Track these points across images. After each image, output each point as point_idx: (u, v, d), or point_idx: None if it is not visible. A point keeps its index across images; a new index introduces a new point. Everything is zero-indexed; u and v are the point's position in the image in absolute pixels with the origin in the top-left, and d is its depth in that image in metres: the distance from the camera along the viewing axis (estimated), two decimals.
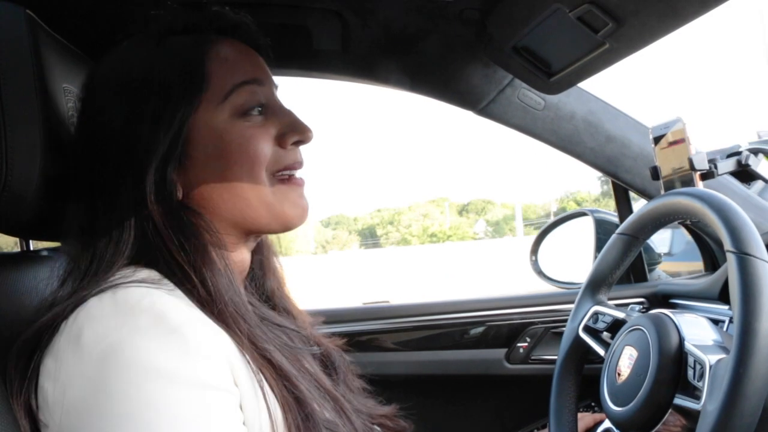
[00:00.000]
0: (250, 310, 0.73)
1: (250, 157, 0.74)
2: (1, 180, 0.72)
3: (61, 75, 0.84)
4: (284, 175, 0.78)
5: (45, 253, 0.93)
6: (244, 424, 0.63)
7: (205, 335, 0.63)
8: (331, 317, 1.58)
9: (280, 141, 0.77)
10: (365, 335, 1.57)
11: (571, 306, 1.17)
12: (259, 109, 0.76)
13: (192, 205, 0.74)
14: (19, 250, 0.93)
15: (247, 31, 0.81)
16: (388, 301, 1.66)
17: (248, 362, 0.66)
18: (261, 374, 0.67)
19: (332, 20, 1.23)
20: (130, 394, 0.56)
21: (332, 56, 1.34)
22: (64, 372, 0.59)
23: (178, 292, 0.67)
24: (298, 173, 0.80)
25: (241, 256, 0.80)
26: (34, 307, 0.75)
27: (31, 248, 0.96)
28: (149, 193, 0.70)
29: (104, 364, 0.57)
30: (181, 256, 0.69)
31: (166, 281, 0.68)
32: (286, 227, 0.79)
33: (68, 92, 0.85)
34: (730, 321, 1.08)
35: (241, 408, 0.63)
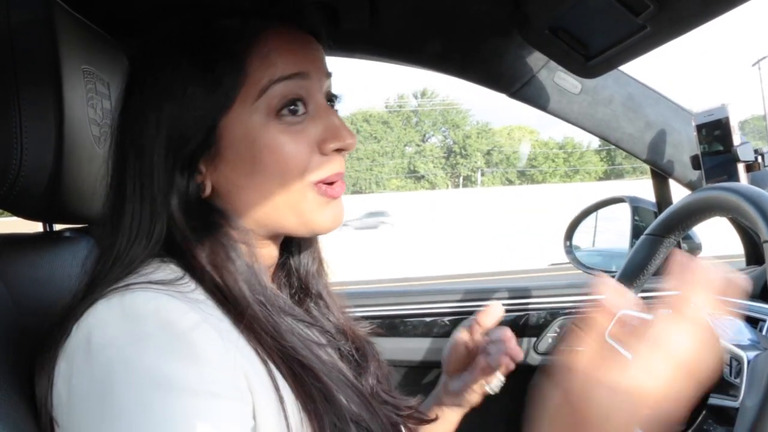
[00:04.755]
0: (274, 307, 0.70)
1: (280, 163, 0.69)
2: (16, 164, 0.71)
3: (81, 56, 0.83)
4: (321, 186, 0.73)
5: (68, 234, 0.93)
6: (254, 430, 0.61)
7: (215, 340, 0.60)
8: (360, 300, 1.58)
9: (321, 146, 0.72)
10: (390, 319, 1.55)
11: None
12: (296, 108, 0.71)
13: (218, 203, 0.71)
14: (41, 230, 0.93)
15: (307, 17, 0.75)
16: None
17: (267, 362, 0.64)
18: (282, 371, 0.64)
19: None
20: (132, 402, 0.55)
21: (360, 35, 1.31)
22: (74, 375, 0.59)
23: (198, 292, 0.65)
24: (337, 183, 0.74)
25: (269, 249, 0.78)
26: (54, 293, 0.75)
27: (54, 228, 0.96)
28: (176, 186, 0.68)
29: (109, 369, 0.56)
30: (201, 253, 0.67)
31: (186, 279, 0.65)
32: (314, 234, 0.76)
33: (88, 73, 0.84)
34: None
35: (254, 414, 0.61)
